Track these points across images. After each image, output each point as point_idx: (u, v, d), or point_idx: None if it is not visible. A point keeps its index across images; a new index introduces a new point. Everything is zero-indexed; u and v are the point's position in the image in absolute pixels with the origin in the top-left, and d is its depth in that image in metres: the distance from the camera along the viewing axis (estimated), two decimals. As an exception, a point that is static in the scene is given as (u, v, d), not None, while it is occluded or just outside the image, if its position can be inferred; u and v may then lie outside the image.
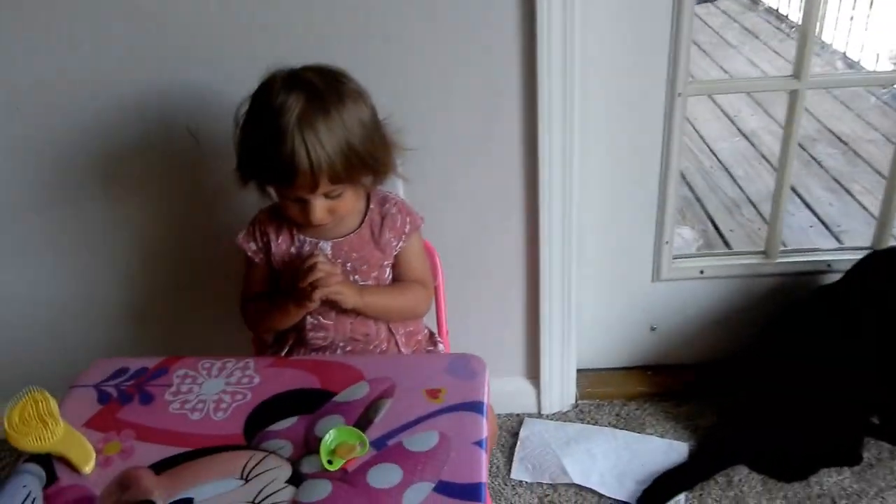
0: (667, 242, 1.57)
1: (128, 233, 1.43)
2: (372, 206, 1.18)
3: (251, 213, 1.21)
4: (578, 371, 1.65)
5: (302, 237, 1.17)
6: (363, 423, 0.97)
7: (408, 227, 1.19)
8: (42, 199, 1.39)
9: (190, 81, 1.28)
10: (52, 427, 0.96)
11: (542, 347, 1.57)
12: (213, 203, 1.39)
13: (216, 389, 1.04)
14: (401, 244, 1.19)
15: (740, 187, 2.76)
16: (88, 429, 0.99)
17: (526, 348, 1.60)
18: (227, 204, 1.35)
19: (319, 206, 1.07)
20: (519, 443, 1.57)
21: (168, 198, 1.40)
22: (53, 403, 0.98)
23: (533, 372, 1.62)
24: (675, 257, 1.61)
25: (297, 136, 1.00)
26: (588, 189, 1.45)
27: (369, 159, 1.08)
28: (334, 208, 1.09)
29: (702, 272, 1.61)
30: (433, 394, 1.01)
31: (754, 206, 2.64)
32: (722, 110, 3.36)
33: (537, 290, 1.50)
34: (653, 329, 1.68)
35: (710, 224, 2.51)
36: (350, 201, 1.11)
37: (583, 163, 1.39)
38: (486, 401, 1.00)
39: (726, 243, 2.39)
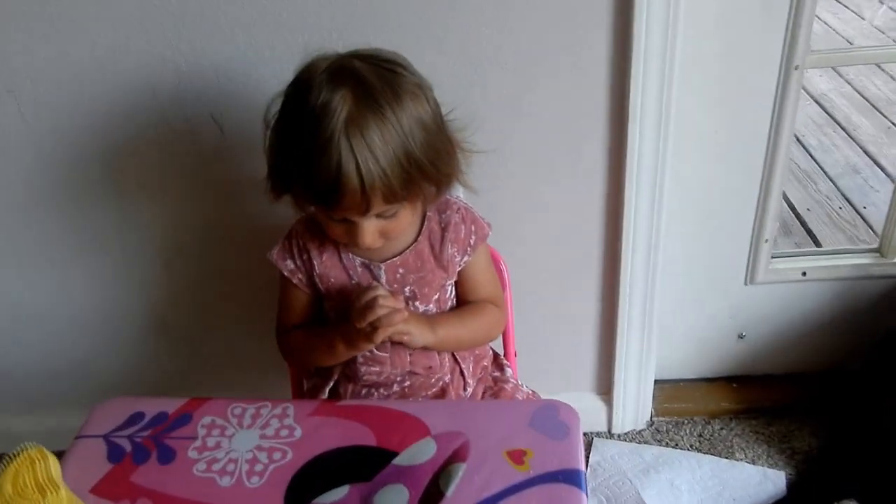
0: (766, 240, 1.35)
1: (146, 236, 1.23)
2: (430, 213, 0.97)
3: (289, 215, 1.01)
4: (654, 382, 1.45)
5: (350, 255, 0.96)
6: (432, 496, 0.78)
7: (473, 237, 0.99)
8: (45, 200, 1.19)
9: (214, 60, 1.07)
10: (51, 498, 0.78)
11: (616, 359, 1.37)
12: (242, 204, 1.19)
13: (249, 444, 0.85)
14: (465, 258, 0.99)
15: (814, 159, 2.50)
16: (96, 496, 0.81)
17: (598, 360, 1.40)
18: (261, 207, 1.15)
19: (370, 229, 0.87)
20: (590, 470, 1.38)
21: (191, 197, 1.20)
22: (54, 464, 0.81)
23: (604, 387, 1.43)
24: (773, 256, 1.39)
25: (344, 147, 0.79)
26: (679, 179, 1.23)
27: (431, 169, 0.86)
28: (387, 230, 0.89)
29: (804, 274, 1.39)
30: (517, 457, 0.82)
31: (831, 180, 2.39)
32: (787, 71, 3.07)
33: (615, 296, 1.30)
34: (741, 337, 1.47)
35: (783, 202, 2.27)
36: (406, 219, 0.90)
37: (675, 149, 1.17)
38: (583, 468, 0.81)
39: (804, 225, 2.15)
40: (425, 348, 0.96)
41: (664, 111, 1.11)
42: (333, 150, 0.79)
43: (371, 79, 0.83)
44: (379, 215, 0.86)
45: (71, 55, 1.06)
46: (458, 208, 0.99)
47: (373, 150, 0.80)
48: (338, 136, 0.79)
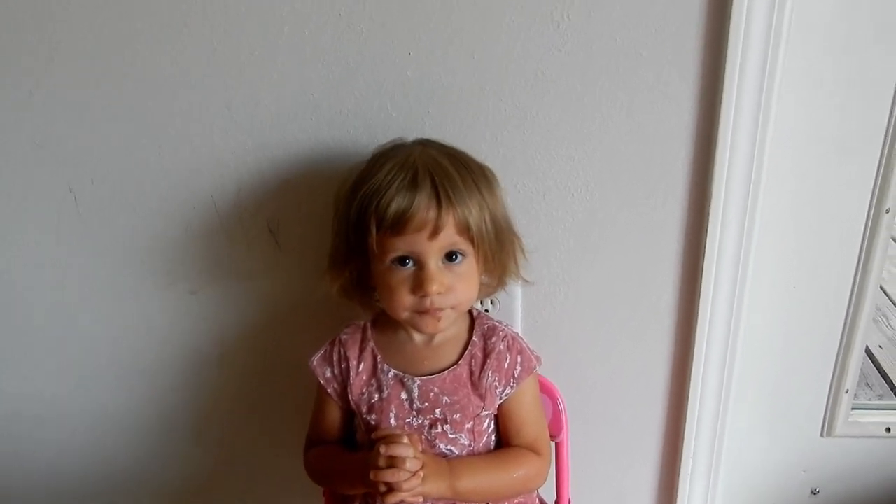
0: (847, 391, 1.24)
1: (187, 341, 1.19)
2: (475, 338, 0.93)
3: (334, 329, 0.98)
4: (713, 534, 1.32)
5: (386, 367, 0.92)
6: None
7: (518, 369, 0.93)
8: (93, 298, 1.16)
9: (277, 173, 1.04)
10: None
11: (676, 508, 1.26)
12: (291, 318, 1.14)
13: None
14: (507, 390, 0.93)
15: (885, 292, 2.38)
16: None
17: (655, 508, 1.28)
18: (310, 323, 1.11)
19: (436, 270, 0.84)
20: None
21: (239, 307, 1.15)
22: None
23: (660, 536, 1.30)
24: (854, 408, 1.28)
25: (421, 168, 0.83)
26: (753, 326, 1.15)
27: (505, 229, 0.89)
28: (453, 286, 0.85)
29: (888, 430, 1.28)
30: None
31: (904, 317, 2.26)
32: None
33: (679, 440, 1.20)
34: (814, 493, 1.34)
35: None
36: (471, 282, 0.88)
37: (752, 297, 1.09)
38: None
39: (878, 366, 2.01)
40: None
41: (742, 261, 1.05)
42: (410, 168, 0.83)
43: (446, 145, 0.90)
44: (446, 258, 0.85)
45: (135, 157, 1.04)
46: (505, 336, 0.94)
47: (450, 175, 0.83)
48: (416, 161, 0.84)
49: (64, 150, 1.05)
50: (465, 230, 0.83)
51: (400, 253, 0.84)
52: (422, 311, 0.86)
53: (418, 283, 0.84)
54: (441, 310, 0.86)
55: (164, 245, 1.10)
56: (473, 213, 0.83)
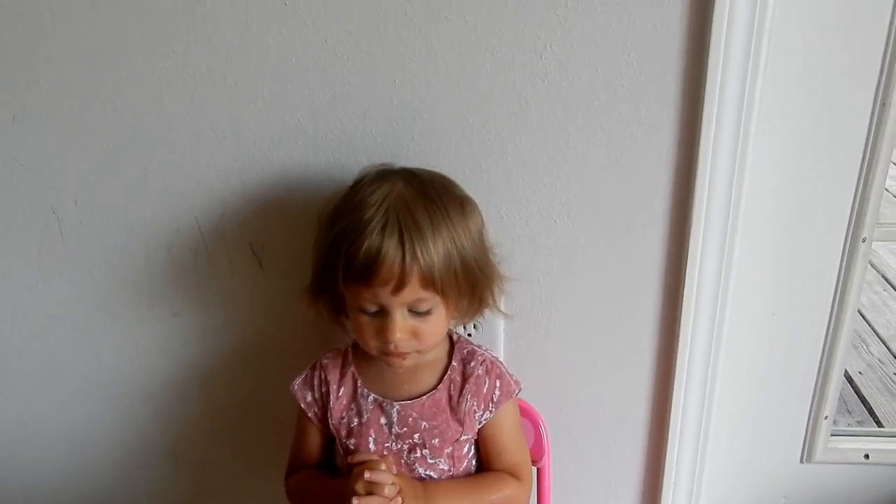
0: (826, 417, 1.25)
1: (170, 363, 1.19)
2: (454, 362, 0.94)
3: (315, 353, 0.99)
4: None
5: (366, 391, 0.93)
6: None
7: (497, 393, 0.93)
8: (74, 321, 1.16)
9: (260, 192, 1.05)
10: None
11: (657, 537, 1.26)
12: (274, 340, 1.14)
13: None
14: (486, 415, 0.93)
15: (865, 318, 2.41)
16: None
17: (637, 535, 1.28)
18: (292, 344, 1.12)
19: (401, 320, 0.84)
20: None
21: (222, 328, 1.15)
22: None
23: (641, 564, 1.30)
24: (833, 435, 1.29)
25: (391, 216, 0.82)
26: (734, 342, 1.16)
27: (477, 271, 0.87)
28: (418, 331, 0.85)
29: (867, 456, 1.29)
30: None
31: (884, 342, 2.28)
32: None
33: (660, 466, 1.20)
34: (794, 518, 1.35)
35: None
36: (438, 328, 0.87)
37: (731, 324, 1.11)
38: None
39: (857, 392, 2.03)
40: None
41: (722, 288, 1.06)
42: (379, 217, 0.81)
43: (423, 175, 0.88)
44: (412, 310, 0.84)
45: (119, 179, 1.05)
46: (484, 360, 0.94)
47: (418, 225, 0.81)
48: (385, 207, 0.82)
49: (47, 172, 1.05)
50: (430, 284, 0.83)
51: (365, 302, 0.85)
52: (386, 353, 0.87)
53: (382, 330, 0.85)
54: (406, 352, 0.87)
55: (147, 267, 1.10)
56: (438, 264, 0.82)
